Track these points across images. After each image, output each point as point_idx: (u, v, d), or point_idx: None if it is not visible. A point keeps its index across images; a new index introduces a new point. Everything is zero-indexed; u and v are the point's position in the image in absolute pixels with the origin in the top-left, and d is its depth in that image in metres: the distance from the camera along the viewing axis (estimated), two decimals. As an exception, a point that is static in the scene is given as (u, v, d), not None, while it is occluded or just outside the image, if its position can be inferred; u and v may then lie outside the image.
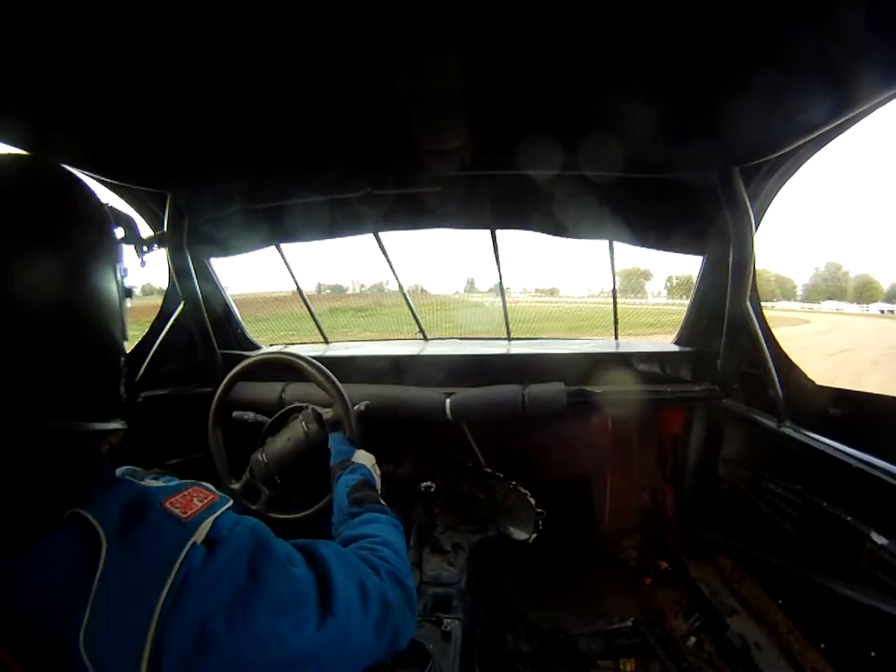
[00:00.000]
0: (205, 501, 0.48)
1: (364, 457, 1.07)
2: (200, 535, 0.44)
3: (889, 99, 0.86)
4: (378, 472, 1.07)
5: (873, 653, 1.06)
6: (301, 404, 1.28)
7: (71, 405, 0.48)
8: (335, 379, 1.21)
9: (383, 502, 0.88)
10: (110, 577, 0.39)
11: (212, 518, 0.46)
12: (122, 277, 0.56)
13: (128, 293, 0.58)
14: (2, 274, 0.43)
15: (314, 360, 1.23)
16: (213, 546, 0.44)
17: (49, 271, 0.46)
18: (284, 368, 1.27)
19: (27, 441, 0.44)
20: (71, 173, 0.53)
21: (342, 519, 0.83)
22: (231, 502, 0.50)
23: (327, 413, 1.20)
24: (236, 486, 1.23)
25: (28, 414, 0.44)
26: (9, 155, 0.52)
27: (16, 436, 0.43)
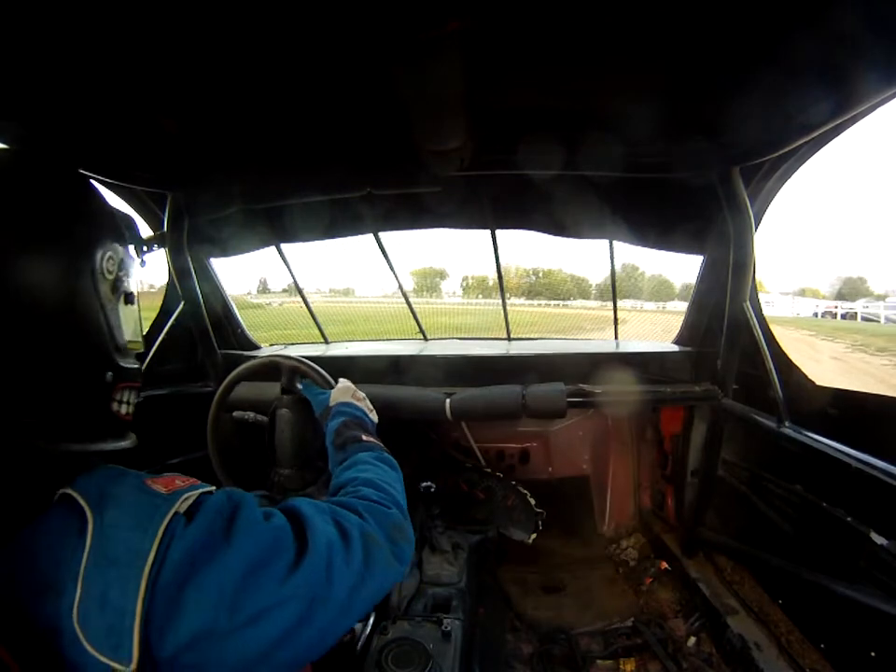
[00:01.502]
0: (187, 482, 0.49)
1: (341, 392, 1.03)
2: (182, 506, 0.45)
3: (889, 99, 0.86)
4: (360, 396, 1.04)
5: (873, 653, 1.06)
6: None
7: (53, 425, 0.47)
8: (323, 371, 1.20)
9: (365, 437, 0.86)
10: (97, 551, 0.40)
11: (195, 493, 0.47)
12: (118, 281, 0.53)
13: (128, 299, 0.55)
14: None
15: (311, 363, 1.23)
16: (192, 515, 0.45)
17: (23, 279, 0.45)
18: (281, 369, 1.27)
19: (11, 459, 0.44)
20: (76, 172, 0.53)
21: (334, 468, 0.83)
22: (213, 487, 0.51)
23: (284, 381, 1.21)
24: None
25: (14, 435, 0.44)
26: (9, 151, 0.51)
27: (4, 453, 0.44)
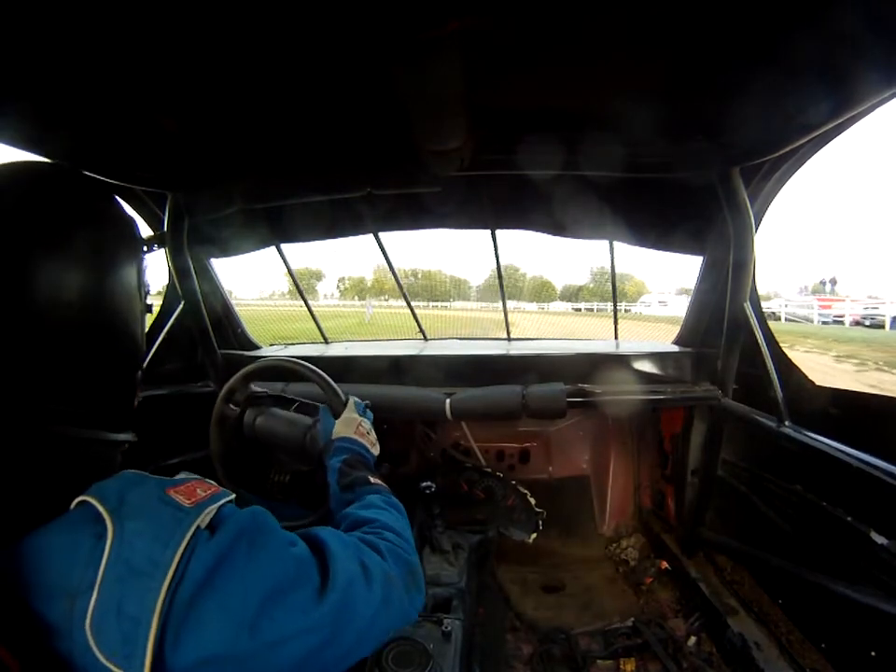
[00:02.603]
0: (209, 492, 0.49)
1: (343, 425, 1.00)
2: (204, 520, 0.45)
3: (889, 99, 0.87)
4: (364, 428, 1.00)
5: (873, 653, 1.06)
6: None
7: (85, 413, 0.50)
8: (328, 378, 1.19)
9: (373, 479, 0.84)
10: (117, 561, 0.40)
11: (216, 505, 0.47)
12: (145, 292, 0.58)
13: (147, 309, 0.60)
14: (26, 282, 0.45)
15: (315, 368, 1.22)
16: (215, 531, 0.45)
17: (77, 281, 0.48)
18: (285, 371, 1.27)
19: (35, 443, 0.46)
20: (102, 182, 0.55)
21: (337, 507, 0.82)
22: (233, 495, 0.51)
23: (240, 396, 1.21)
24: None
25: (41, 419, 0.46)
26: (31, 162, 0.54)
27: (25, 438, 0.45)
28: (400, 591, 0.59)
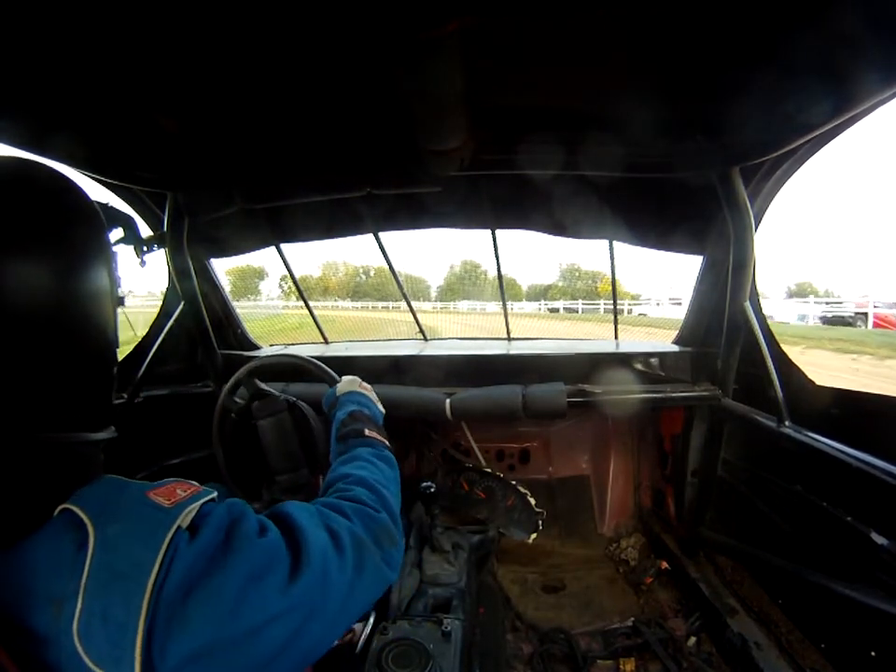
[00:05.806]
0: (188, 491, 0.48)
1: (347, 384, 1.04)
2: (185, 520, 0.44)
3: (889, 99, 0.87)
4: (367, 387, 1.05)
5: (873, 653, 1.06)
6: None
7: (66, 416, 0.48)
8: (328, 369, 1.23)
9: (368, 432, 0.85)
10: (100, 566, 0.40)
11: (196, 504, 0.47)
12: (116, 285, 0.56)
13: (120, 301, 0.57)
14: None
15: (318, 362, 1.25)
16: (196, 530, 0.45)
17: (42, 278, 0.46)
18: (288, 369, 1.29)
19: (19, 451, 0.44)
20: (64, 175, 0.53)
21: (333, 461, 0.82)
22: (214, 493, 0.50)
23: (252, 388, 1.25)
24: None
25: (23, 426, 0.45)
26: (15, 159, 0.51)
27: (9, 446, 0.43)
28: (373, 552, 0.58)
